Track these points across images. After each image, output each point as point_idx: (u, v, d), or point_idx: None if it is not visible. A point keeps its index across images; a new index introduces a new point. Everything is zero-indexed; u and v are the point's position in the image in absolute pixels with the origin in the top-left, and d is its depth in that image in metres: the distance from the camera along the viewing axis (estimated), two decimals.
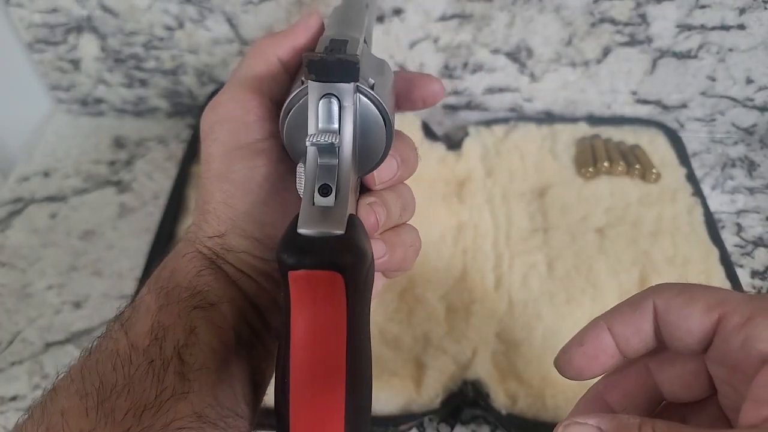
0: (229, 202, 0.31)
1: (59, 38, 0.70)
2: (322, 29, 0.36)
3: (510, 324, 0.54)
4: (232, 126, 0.32)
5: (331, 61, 0.25)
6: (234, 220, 0.31)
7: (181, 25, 0.68)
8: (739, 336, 0.24)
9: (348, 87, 0.27)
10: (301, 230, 0.25)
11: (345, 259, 0.24)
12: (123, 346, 0.28)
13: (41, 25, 0.69)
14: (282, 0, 0.66)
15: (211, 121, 0.33)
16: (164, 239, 0.60)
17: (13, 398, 0.52)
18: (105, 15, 0.68)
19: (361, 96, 0.28)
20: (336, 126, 0.27)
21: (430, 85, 0.36)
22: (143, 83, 0.74)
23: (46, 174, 0.70)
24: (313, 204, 0.26)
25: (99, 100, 0.77)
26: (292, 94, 0.29)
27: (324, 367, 0.25)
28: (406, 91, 0.36)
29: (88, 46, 0.71)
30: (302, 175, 0.28)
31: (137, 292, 0.56)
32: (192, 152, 0.68)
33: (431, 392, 0.50)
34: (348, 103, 0.27)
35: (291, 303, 0.25)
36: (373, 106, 0.28)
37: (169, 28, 0.69)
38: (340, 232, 0.25)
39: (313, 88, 0.27)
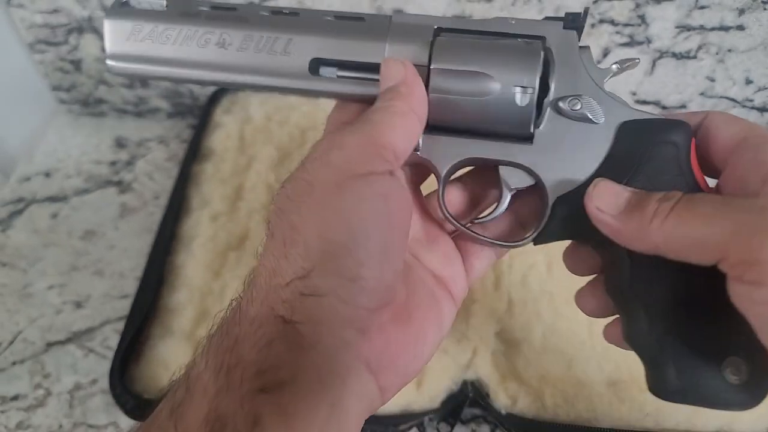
0: (326, 234, 0.28)
1: (60, 39, 0.70)
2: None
3: (510, 324, 0.54)
4: (351, 154, 0.30)
5: None
6: (327, 254, 0.28)
7: None
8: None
9: None
10: None
11: None
12: None
13: (42, 26, 0.69)
14: (282, 1, 0.66)
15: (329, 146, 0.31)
16: (165, 239, 0.60)
17: (15, 398, 0.52)
18: None
19: None
20: None
21: None
22: (144, 84, 0.75)
23: (48, 174, 0.71)
24: None
25: (100, 101, 0.77)
26: None
27: None
28: None
29: (89, 47, 0.71)
30: None
31: (133, 294, 0.57)
32: (193, 152, 0.68)
33: (431, 392, 0.50)
34: None
35: None
36: None
37: None
38: None
39: None
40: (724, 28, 0.64)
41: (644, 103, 0.72)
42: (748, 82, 0.69)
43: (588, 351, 0.52)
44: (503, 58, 0.33)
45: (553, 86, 0.33)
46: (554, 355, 0.53)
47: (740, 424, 0.48)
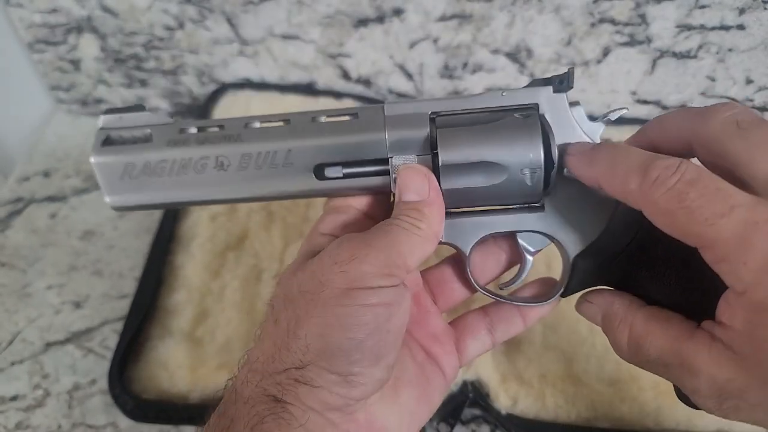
0: (326, 335, 0.30)
1: (59, 38, 0.70)
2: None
3: None
4: (369, 269, 0.31)
5: None
6: (324, 353, 0.30)
7: (181, 25, 0.69)
8: None
9: None
10: None
11: None
12: None
13: (41, 25, 0.69)
14: (282, 0, 0.66)
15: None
16: (164, 239, 0.60)
17: (14, 398, 0.52)
18: (105, 15, 0.68)
19: None
20: None
21: None
22: (143, 83, 0.74)
23: (46, 174, 0.70)
24: None
25: (99, 100, 0.77)
26: None
27: None
28: None
29: (88, 46, 0.71)
30: None
31: (136, 296, 0.57)
32: None
33: None
34: None
35: None
36: None
37: (169, 28, 0.69)
38: None
39: None
40: (725, 28, 0.64)
41: (645, 102, 0.72)
42: (749, 81, 0.69)
43: (588, 351, 0.52)
44: (506, 143, 0.33)
45: (556, 156, 0.34)
46: (555, 355, 0.52)
47: (740, 425, 0.48)
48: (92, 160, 0.36)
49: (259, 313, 0.55)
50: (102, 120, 0.37)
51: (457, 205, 0.35)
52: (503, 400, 0.50)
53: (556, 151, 0.34)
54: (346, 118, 0.36)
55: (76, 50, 0.71)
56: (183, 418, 0.49)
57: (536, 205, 0.36)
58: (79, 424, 0.50)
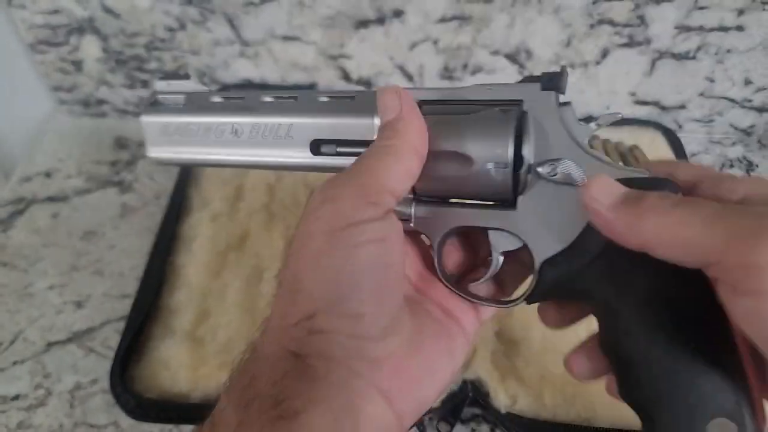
0: (324, 281, 0.29)
1: (61, 39, 0.71)
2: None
3: (509, 323, 0.54)
4: (342, 206, 0.30)
5: None
6: (328, 298, 0.29)
7: (182, 27, 0.69)
8: None
9: None
10: None
11: None
12: None
13: (43, 26, 0.69)
14: (283, 1, 0.66)
15: (322, 198, 0.31)
16: (166, 239, 0.61)
17: (15, 397, 0.52)
18: (106, 16, 0.68)
19: None
20: None
21: None
22: (145, 84, 0.75)
23: (48, 174, 0.71)
24: None
25: (101, 101, 0.77)
26: None
27: None
28: None
29: (89, 47, 0.71)
30: None
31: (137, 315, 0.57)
32: None
33: None
34: None
35: None
36: None
37: (170, 29, 0.69)
38: None
39: None
40: (724, 29, 0.64)
41: (644, 103, 0.73)
42: (748, 82, 0.69)
43: None
44: (477, 135, 0.33)
45: (528, 154, 0.33)
46: (554, 355, 0.53)
47: None
48: (141, 118, 0.42)
49: (260, 313, 0.55)
50: (157, 85, 0.43)
51: (431, 193, 0.36)
52: (503, 399, 0.50)
53: (532, 149, 0.33)
54: (347, 99, 0.38)
55: (77, 51, 0.72)
56: (184, 417, 0.49)
57: (508, 203, 0.35)
58: (80, 424, 0.50)
